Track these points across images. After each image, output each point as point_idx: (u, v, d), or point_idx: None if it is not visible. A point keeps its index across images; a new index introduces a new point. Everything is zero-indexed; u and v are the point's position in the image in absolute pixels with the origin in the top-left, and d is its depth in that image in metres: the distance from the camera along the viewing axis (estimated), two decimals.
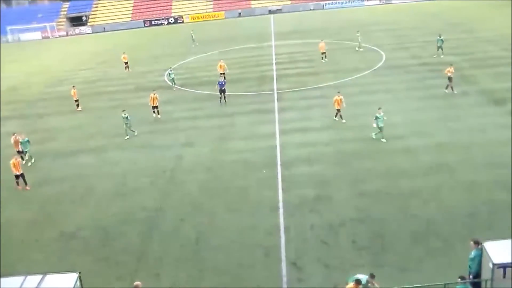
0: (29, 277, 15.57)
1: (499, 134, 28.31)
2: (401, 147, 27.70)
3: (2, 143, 35.13)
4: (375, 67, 46.63)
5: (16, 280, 15.49)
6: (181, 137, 33.30)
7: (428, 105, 34.45)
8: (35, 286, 15.11)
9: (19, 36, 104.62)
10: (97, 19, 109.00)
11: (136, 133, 34.31)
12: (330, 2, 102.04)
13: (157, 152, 31.29)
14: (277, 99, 39.61)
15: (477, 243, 15.35)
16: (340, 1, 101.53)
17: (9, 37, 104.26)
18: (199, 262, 19.37)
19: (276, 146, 30.09)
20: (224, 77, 44.07)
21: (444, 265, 17.14)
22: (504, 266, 14.33)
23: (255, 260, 19.11)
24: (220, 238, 20.81)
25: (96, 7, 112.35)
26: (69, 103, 44.72)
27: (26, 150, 31.26)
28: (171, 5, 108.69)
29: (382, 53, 52.34)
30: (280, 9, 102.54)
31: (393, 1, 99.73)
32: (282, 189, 24.48)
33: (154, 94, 37.90)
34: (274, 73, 48.78)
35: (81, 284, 15.77)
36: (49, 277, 15.55)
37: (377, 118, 28.76)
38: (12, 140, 31.46)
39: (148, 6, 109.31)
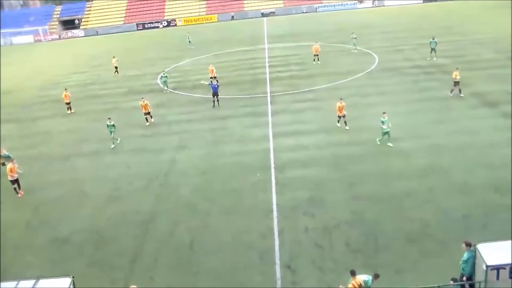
0: (22, 282, 15.47)
1: (493, 136, 28.44)
2: (395, 150, 27.75)
3: None
4: (368, 70, 46.75)
5: (9, 285, 15.41)
6: (175, 141, 33.24)
7: (421, 107, 34.56)
8: None
9: (11, 39, 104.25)
10: (89, 22, 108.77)
11: (119, 141, 33.59)
12: (323, 5, 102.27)
13: (151, 155, 31.22)
14: (271, 102, 39.63)
15: (469, 245, 15.39)
16: (333, 4, 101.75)
17: (1, 40, 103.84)
18: (193, 265, 19.33)
19: (269, 149, 30.09)
20: (217, 80, 44.08)
21: (439, 266, 17.17)
22: (497, 268, 14.37)
23: (249, 263, 19.08)
24: (214, 241, 20.78)
25: (89, 10, 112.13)
26: (63, 106, 44.55)
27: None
28: (164, 8, 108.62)
29: (375, 55, 52.47)
30: (273, 12, 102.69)
31: (385, 4, 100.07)
32: (276, 192, 24.48)
33: (144, 101, 37.19)
34: (267, 76, 48.81)
35: None
36: (43, 282, 15.46)
37: (382, 122, 28.20)
38: None
39: (141, 9, 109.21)
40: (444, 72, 42.85)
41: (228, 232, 21.43)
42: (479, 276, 14.99)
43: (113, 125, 33.29)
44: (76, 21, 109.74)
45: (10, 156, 29.94)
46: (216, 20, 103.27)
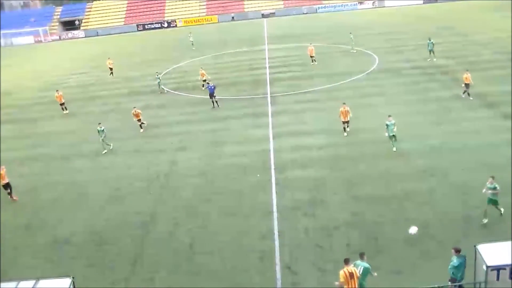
0: (22, 282, 15.46)
1: (492, 137, 28.41)
2: (398, 151, 27.69)
3: None
4: (369, 71, 46.75)
5: (9, 285, 15.40)
6: (175, 141, 33.24)
7: (422, 108, 34.55)
8: None
9: (12, 40, 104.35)
10: (90, 23, 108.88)
11: (111, 146, 32.88)
12: (323, 6, 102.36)
13: (150, 156, 31.22)
14: (271, 103, 39.64)
15: (458, 251, 15.36)
16: (333, 5, 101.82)
17: (2, 41, 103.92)
18: (193, 267, 19.31)
19: (270, 150, 30.09)
20: (208, 83, 44.13)
21: (439, 268, 17.11)
22: (497, 269, 14.36)
23: (249, 264, 19.07)
24: (214, 243, 20.77)
25: (89, 11, 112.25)
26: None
27: None
28: (164, 9, 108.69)
29: (376, 56, 52.48)
30: (273, 13, 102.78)
31: (386, 5, 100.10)
32: (276, 193, 24.47)
33: (136, 110, 36.12)
34: (268, 76, 48.83)
35: None
36: (43, 282, 15.45)
37: (387, 126, 27.66)
38: None
39: (141, 10, 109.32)
40: (444, 73, 42.91)
41: (228, 233, 21.42)
42: (479, 277, 14.98)
43: (103, 130, 32.41)
44: (77, 22, 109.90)
45: None
46: (217, 21, 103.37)
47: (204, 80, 45.72)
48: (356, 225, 20.91)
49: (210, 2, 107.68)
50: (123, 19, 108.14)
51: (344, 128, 30.97)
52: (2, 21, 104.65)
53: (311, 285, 17.52)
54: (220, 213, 23.13)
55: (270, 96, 41.69)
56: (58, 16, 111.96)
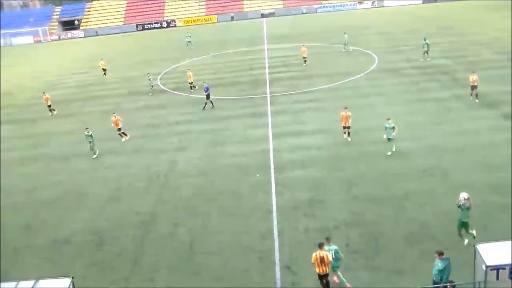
0: (22, 282, 15.45)
1: (492, 136, 28.44)
2: (397, 151, 27.67)
3: None
4: (368, 70, 46.77)
5: (8, 285, 15.39)
6: (174, 141, 33.25)
7: (421, 108, 34.57)
8: None
9: (11, 40, 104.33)
10: (89, 23, 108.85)
11: (97, 153, 31.95)
12: (323, 5, 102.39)
13: (150, 156, 31.23)
14: (270, 103, 39.65)
15: (441, 254, 15.37)
16: (332, 5, 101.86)
17: (1, 41, 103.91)
18: (193, 267, 19.33)
19: (269, 149, 30.10)
20: (193, 87, 44.93)
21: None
22: (497, 268, 14.37)
23: (249, 264, 19.09)
24: (214, 243, 20.78)
25: (89, 11, 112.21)
26: (63, 107, 44.72)
27: None
28: (163, 9, 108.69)
29: (375, 56, 52.51)
30: (273, 13, 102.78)
31: (385, 5, 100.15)
32: (276, 193, 24.48)
33: (115, 116, 34.26)
34: (267, 76, 48.85)
35: None
36: (42, 282, 15.45)
37: (386, 128, 27.40)
38: None
39: (141, 10, 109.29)
40: (444, 73, 42.93)
41: (228, 233, 21.43)
42: (478, 277, 15.00)
43: (91, 135, 31.65)
44: (76, 22, 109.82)
45: None
46: (216, 21, 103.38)
47: (191, 83, 45.67)
48: (356, 225, 20.92)
49: (209, 2, 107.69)
50: (122, 19, 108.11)
51: (345, 133, 30.05)
52: (2, 21, 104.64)
53: (310, 285, 17.51)
54: (220, 213, 23.14)
55: (270, 96, 41.70)
56: (58, 16, 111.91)
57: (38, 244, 22.15)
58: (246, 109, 38.95)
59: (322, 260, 15.95)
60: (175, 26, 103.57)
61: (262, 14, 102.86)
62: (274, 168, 27.34)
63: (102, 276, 19.27)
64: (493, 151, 26.50)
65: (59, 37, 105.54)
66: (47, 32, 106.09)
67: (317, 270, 16.14)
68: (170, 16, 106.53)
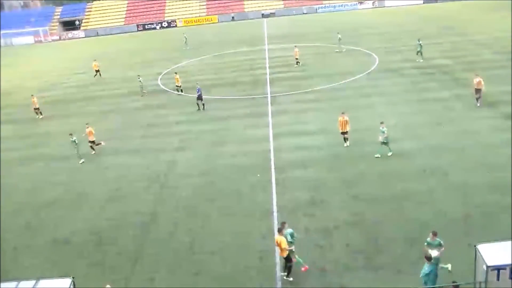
0: (23, 282, 15.47)
1: (492, 136, 28.41)
2: (395, 151, 27.65)
3: None
4: (369, 71, 46.75)
5: (9, 285, 15.40)
6: (175, 141, 33.24)
7: (421, 108, 34.54)
8: None
9: (12, 40, 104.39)
10: (90, 23, 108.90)
11: (82, 161, 31.33)
12: (323, 5, 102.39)
13: (150, 156, 31.20)
14: (271, 103, 39.64)
15: (429, 259, 15.35)
16: (333, 5, 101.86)
17: (2, 41, 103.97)
18: (193, 267, 19.31)
19: (270, 149, 30.09)
20: (181, 90, 45.01)
21: (439, 268, 17.13)
22: (498, 268, 14.35)
23: (249, 264, 19.06)
24: (215, 243, 20.76)
25: (89, 11, 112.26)
26: (63, 107, 44.78)
27: None
28: (164, 9, 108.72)
29: (376, 56, 52.50)
30: (273, 13, 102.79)
31: (386, 5, 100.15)
32: (276, 193, 24.46)
33: (88, 127, 32.58)
34: (268, 76, 48.84)
35: None
36: (43, 282, 15.46)
37: (383, 132, 27.04)
38: None
39: (141, 10, 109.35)
40: (444, 73, 42.90)
41: (228, 233, 21.41)
42: (479, 277, 14.98)
43: (75, 141, 31.18)
44: (77, 22, 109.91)
45: None
46: (217, 21, 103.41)
47: (179, 86, 45.59)
48: (356, 225, 20.90)
49: (210, 2, 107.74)
50: (123, 19, 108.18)
51: (344, 139, 29.26)
52: (3, 21, 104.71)
53: (311, 285, 17.53)
54: (220, 213, 23.13)
55: (270, 96, 41.69)
56: (58, 16, 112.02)
57: (38, 244, 22.13)
58: (247, 109, 38.95)
59: (278, 245, 17.70)
60: (176, 26, 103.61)
61: (262, 14, 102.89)
62: (274, 168, 27.32)
63: (102, 276, 19.23)
64: (493, 150, 26.47)
65: (59, 37, 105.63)
66: (48, 32, 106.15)
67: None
68: (171, 16, 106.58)
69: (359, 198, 23.11)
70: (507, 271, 14.37)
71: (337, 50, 57.10)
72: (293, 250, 18.17)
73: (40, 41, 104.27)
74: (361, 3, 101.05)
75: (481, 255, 14.81)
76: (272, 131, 33.29)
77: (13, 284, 15.45)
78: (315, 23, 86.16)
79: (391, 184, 24.18)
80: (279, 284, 17.80)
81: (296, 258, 18.11)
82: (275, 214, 22.48)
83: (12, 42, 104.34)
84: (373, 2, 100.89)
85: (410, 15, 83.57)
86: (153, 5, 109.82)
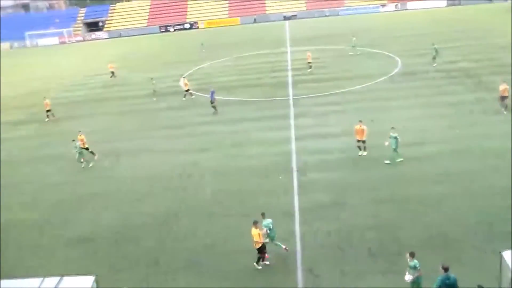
0: (47, 279, 15.67)
1: None
2: (416, 154, 27.41)
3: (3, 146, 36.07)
4: (391, 73, 46.46)
5: (34, 281, 15.61)
6: (196, 143, 33.36)
7: (443, 111, 34.18)
8: (53, 287, 15.20)
9: (37, 41, 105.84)
10: (113, 25, 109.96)
11: (83, 165, 31.03)
12: (345, 8, 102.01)
13: (171, 157, 31.34)
14: (293, 105, 39.59)
15: (446, 269, 15.02)
16: (355, 8, 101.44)
17: (27, 42, 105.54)
18: (213, 268, 19.36)
19: (291, 151, 30.05)
20: (191, 93, 44.74)
21: (459, 273, 16.88)
22: None
23: (271, 266, 19.06)
24: (236, 244, 20.77)
25: (113, 12, 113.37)
26: (86, 107, 45.26)
27: None
28: (186, 11, 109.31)
29: (398, 59, 52.15)
30: (295, 15, 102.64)
31: (408, 7, 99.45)
32: (298, 195, 24.44)
33: (80, 134, 32.08)
34: (290, 78, 48.81)
35: (98, 287, 15.83)
36: (66, 279, 15.65)
37: (396, 138, 26.53)
38: None
39: (164, 11, 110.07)
40: (467, 76, 42.47)
41: (249, 234, 21.32)
42: (504, 283, 14.80)
43: (76, 147, 30.98)
44: (100, 23, 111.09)
45: None
46: (239, 23, 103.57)
47: (187, 90, 45.46)
48: (377, 228, 20.79)
49: (232, 4, 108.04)
50: (146, 21, 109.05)
51: (360, 147, 28.39)
52: (28, 22, 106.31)
53: (332, 287, 17.47)
54: (241, 215, 23.08)
55: (293, 98, 41.65)
56: (82, 18, 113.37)
57: (59, 243, 22.38)
58: (269, 111, 38.94)
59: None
60: (198, 28, 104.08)
61: (284, 17, 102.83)
62: (296, 170, 27.28)
63: (120, 276, 19.37)
64: None
65: (83, 38, 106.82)
66: (72, 33, 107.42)
67: None
68: (193, 18, 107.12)
69: (380, 202, 22.97)
70: None
71: (351, 53, 56.87)
72: (268, 241, 19.19)
73: (64, 42, 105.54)
74: (383, 5, 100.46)
75: (506, 262, 14.62)
76: (294, 133, 33.22)
77: (38, 280, 15.65)
78: (337, 25, 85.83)
79: (412, 188, 24.00)
80: (300, 284, 17.77)
81: (277, 244, 19.40)
82: (296, 216, 22.45)
83: (37, 43, 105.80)
84: (396, 5, 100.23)
85: (432, 18, 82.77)
86: (175, 7, 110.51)
